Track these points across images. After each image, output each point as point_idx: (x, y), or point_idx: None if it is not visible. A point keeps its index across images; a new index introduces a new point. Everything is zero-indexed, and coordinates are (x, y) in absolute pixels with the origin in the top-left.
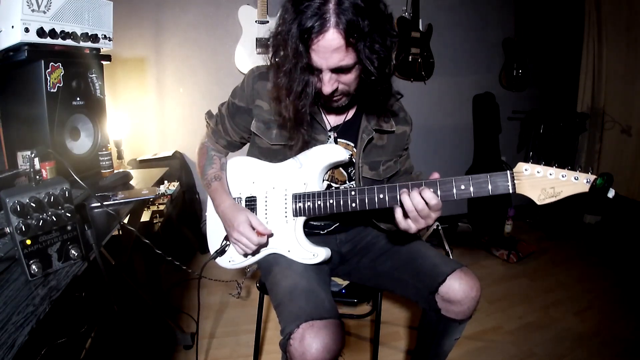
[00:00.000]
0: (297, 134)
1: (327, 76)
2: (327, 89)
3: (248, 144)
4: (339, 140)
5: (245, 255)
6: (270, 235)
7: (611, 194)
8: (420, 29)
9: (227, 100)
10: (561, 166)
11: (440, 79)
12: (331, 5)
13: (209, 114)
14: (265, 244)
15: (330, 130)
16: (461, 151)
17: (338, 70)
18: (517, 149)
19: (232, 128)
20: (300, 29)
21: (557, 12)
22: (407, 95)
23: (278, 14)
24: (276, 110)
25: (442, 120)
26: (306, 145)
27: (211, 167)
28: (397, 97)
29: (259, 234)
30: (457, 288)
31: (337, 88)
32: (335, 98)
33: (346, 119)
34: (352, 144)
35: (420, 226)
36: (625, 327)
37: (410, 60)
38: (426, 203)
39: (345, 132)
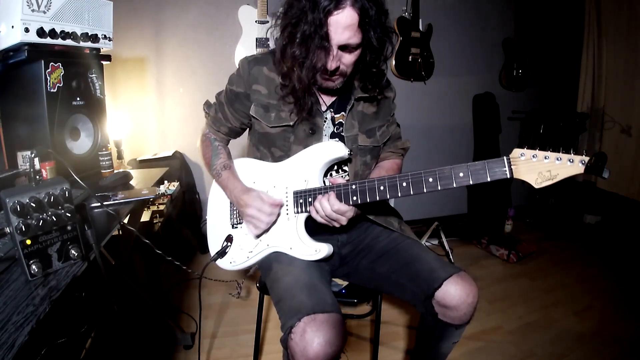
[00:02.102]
0: (304, 105)
1: (334, 51)
2: (332, 64)
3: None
4: (335, 115)
5: (259, 235)
6: (281, 204)
7: (606, 174)
8: (420, 29)
9: (225, 88)
10: (556, 150)
11: (440, 79)
12: None
13: (207, 104)
14: (269, 229)
15: (326, 111)
16: (461, 151)
17: (343, 48)
18: None
19: (232, 115)
20: (321, 3)
21: (557, 12)
22: (407, 95)
23: None
24: (284, 87)
25: (442, 120)
26: (309, 117)
27: (218, 157)
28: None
29: (271, 205)
30: (453, 294)
31: (338, 67)
32: (334, 77)
33: (339, 95)
34: (345, 114)
35: (334, 225)
36: (625, 327)
37: (410, 60)
38: (335, 209)
39: (341, 106)
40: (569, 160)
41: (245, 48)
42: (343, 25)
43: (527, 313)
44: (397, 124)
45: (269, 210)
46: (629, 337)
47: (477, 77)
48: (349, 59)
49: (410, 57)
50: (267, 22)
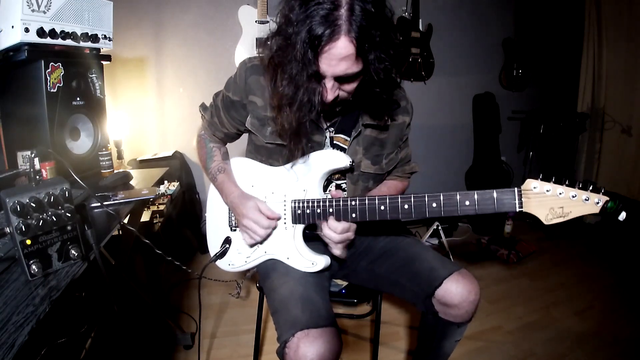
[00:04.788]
0: (297, 145)
1: (330, 84)
2: (329, 97)
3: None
4: (334, 135)
5: (253, 245)
6: (279, 218)
7: (622, 216)
8: (420, 29)
9: (221, 91)
10: (571, 184)
11: (440, 79)
12: (343, 11)
13: (202, 107)
14: (267, 238)
15: (326, 129)
16: (461, 151)
17: (341, 79)
18: (517, 149)
19: (227, 121)
20: (310, 34)
21: (557, 12)
22: (407, 94)
23: (279, 11)
24: (276, 120)
25: (442, 120)
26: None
27: (212, 160)
28: (400, 92)
29: (269, 218)
30: (454, 292)
31: (337, 95)
32: (334, 105)
33: (342, 115)
34: (349, 139)
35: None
36: (625, 327)
37: (410, 60)
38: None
39: (343, 128)
40: (585, 199)
41: (245, 48)
42: (338, 57)
43: (527, 313)
44: (409, 145)
45: (266, 224)
46: (629, 337)
47: (477, 77)
48: (349, 87)
49: (410, 57)
50: (267, 22)
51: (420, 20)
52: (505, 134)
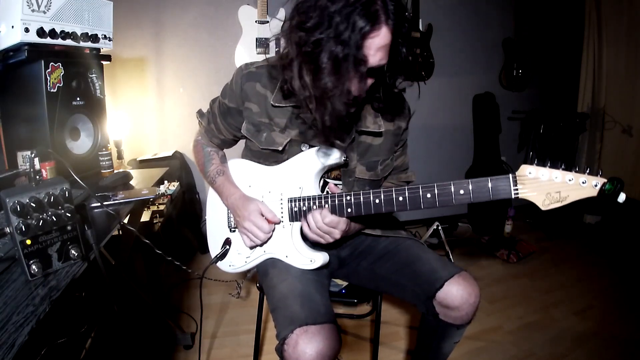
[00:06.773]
0: (329, 136)
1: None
2: (363, 91)
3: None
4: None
5: (253, 247)
6: (279, 222)
7: (622, 198)
8: (420, 29)
9: (218, 98)
10: (568, 168)
11: (440, 79)
12: (379, 2)
13: (199, 113)
14: (266, 241)
15: None
16: (461, 151)
17: (370, 71)
18: (517, 149)
19: (224, 127)
20: (355, 25)
21: (557, 12)
22: (407, 95)
23: (309, 6)
24: (308, 117)
25: (442, 120)
26: (304, 139)
27: (211, 163)
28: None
29: (270, 222)
30: (455, 294)
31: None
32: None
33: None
34: (343, 145)
35: (327, 240)
36: (625, 327)
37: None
38: (328, 223)
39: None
40: (582, 182)
41: (245, 48)
42: (377, 46)
43: (527, 313)
44: (406, 153)
45: (267, 229)
46: (629, 337)
47: (477, 77)
48: (369, 82)
49: (411, 57)
50: (267, 22)
51: (420, 20)
52: (505, 134)
